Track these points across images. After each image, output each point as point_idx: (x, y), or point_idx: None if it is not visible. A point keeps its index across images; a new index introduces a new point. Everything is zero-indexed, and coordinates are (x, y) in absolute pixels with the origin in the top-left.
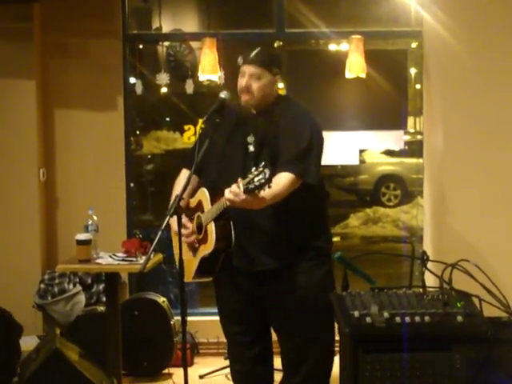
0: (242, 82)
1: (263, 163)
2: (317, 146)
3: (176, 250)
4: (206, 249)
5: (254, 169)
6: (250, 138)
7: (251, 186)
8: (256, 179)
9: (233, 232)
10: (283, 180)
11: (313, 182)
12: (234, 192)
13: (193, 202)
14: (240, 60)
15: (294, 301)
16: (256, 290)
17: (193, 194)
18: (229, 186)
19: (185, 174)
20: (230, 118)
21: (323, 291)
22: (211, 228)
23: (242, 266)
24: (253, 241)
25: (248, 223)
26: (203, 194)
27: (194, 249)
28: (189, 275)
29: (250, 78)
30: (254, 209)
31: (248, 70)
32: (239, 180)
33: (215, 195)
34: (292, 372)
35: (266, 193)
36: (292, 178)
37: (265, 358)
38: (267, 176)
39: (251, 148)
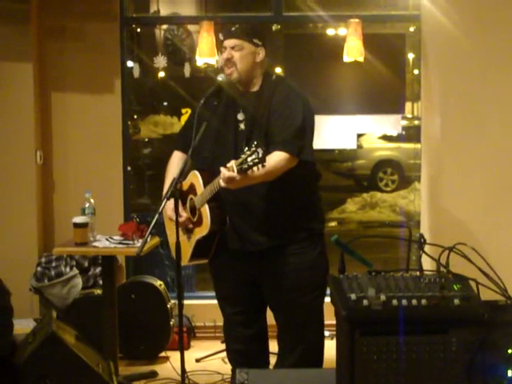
0: (223, 55)
1: (255, 143)
2: (309, 124)
3: (171, 237)
4: (201, 231)
5: (246, 149)
6: (240, 116)
7: (244, 167)
8: (249, 159)
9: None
10: (278, 159)
11: (309, 159)
12: (228, 175)
13: (185, 185)
14: (221, 36)
15: (289, 281)
16: (251, 271)
17: (184, 176)
18: (221, 166)
19: (177, 156)
20: (224, 100)
21: (317, 271)
22: (205, 210)
23: (236, 247)
24: (246, 220)
25: (241, 203)
26: (195, 177)
27: (188, 232)
28: (184, 258)
29: (230, 50)
30: (248, 186)
31: (228, 43)
32: (232, 162)
33: (207, 177)
34: (287, 352)
35: (259, 171)
36: (287, 157)
37: (261, 337)
38: (260, 155)
39: (242, 126)
